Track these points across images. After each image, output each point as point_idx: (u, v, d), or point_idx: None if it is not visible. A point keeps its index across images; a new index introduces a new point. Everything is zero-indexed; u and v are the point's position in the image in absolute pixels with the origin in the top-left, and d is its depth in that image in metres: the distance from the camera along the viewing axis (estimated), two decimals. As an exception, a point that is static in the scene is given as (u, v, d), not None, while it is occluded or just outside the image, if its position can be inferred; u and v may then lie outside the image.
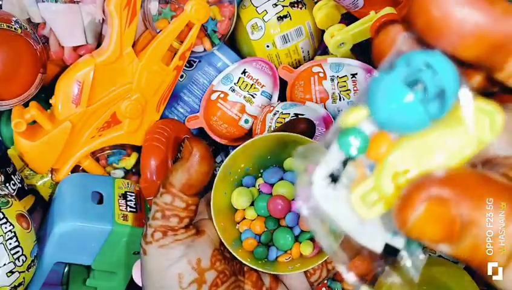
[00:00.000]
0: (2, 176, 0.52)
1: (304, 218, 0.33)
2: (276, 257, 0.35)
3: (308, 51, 0.65)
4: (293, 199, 0.35)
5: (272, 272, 0.34)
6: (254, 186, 0.36)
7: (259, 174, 0.36)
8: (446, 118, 0.19)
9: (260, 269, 0.33)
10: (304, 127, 0.37)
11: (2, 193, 0.48)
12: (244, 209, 0.35)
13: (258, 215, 0.35)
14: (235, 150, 0.33)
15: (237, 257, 0.33)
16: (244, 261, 0.33)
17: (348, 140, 0.20)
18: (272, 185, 0.35)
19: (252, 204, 0.35)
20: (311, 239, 0.35)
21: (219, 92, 0.62)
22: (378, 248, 0.21)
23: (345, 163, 0.20)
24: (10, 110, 0.54)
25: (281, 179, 0.35)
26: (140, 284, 0.52)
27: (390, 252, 0.21)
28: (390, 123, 0.19)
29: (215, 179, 0.33)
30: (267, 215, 0.35)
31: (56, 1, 0.54)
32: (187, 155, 0.31)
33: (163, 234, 0.32)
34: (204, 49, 0.60)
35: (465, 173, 0.18)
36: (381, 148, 0.19)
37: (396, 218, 0.18)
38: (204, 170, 0.31)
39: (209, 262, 0.32)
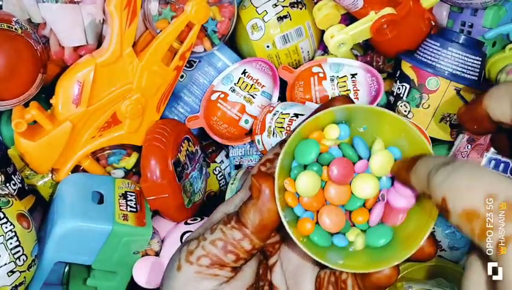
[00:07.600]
0: (3, 176, 0.52)
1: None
2: (346, 245, 0.29)
3: (308, 51, 0.65)
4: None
5: (341, 269, 0.28)
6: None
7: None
8: None
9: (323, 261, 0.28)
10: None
11: (3, 192, 0.48)
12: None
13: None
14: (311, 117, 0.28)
15: (294, 238, 0.27)
16: (304, 249, 0.27)
17: None
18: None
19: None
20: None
21: (220, 92, 0.62)
22: None
23: None
24: (10, 110, 0.54)
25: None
26: (141, 284, 0.53)
27: None
28: None
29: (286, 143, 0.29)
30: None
31: (57, 1, 0.54)
32: (257, 193, 0.29)
33: (210, 264, 0.30)
34: (204, 49, 0.60)
35: None
36: None
37: None
38: (276, 207, 0.28)
39: None
